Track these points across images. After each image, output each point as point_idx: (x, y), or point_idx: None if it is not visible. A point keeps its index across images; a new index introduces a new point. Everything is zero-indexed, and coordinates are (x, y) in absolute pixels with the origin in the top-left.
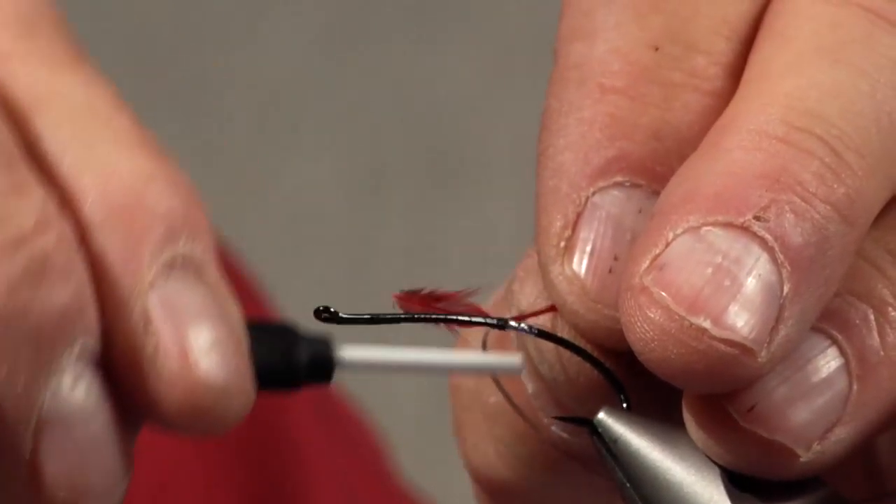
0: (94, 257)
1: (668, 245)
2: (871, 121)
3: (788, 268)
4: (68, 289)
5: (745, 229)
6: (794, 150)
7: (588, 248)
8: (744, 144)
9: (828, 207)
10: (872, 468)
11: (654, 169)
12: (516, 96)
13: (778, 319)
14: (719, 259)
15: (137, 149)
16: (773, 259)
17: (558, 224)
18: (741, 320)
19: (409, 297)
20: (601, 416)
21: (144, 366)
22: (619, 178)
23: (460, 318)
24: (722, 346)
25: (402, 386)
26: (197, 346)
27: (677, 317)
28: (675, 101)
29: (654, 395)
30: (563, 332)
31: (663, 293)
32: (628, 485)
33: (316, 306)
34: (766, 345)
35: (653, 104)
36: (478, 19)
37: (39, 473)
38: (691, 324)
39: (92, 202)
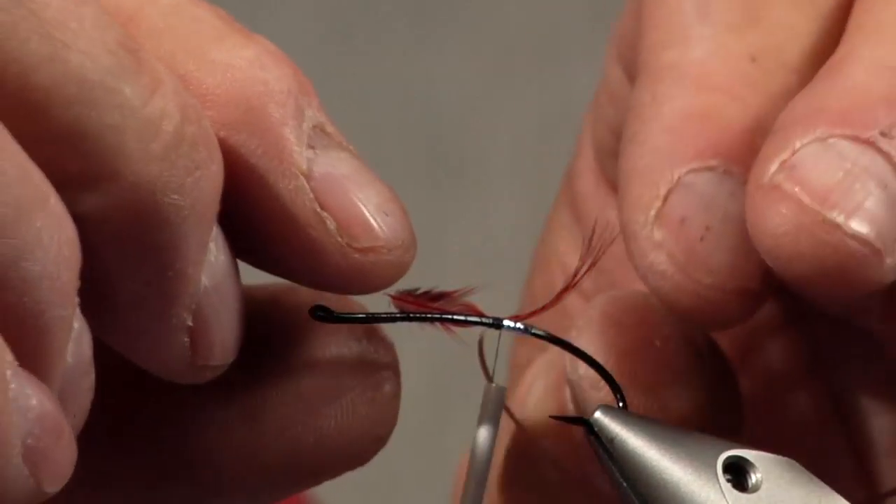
0: (238, 153)
1: (795, 152)
2: None
3: None
4: (217, 170)
5: (871, 143)
6: None
7: (679, 217)
8: (867, 69)
9: None
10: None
11: (748, 161)
12: (516, 96)
13: None
14: (849, 165)
15: (235, 37)
16: None
17: (650, 195)
18: (872, 223)
19: (404, 296)
20: (598, 415)
21: (323, 241)
22: (713, 163)
23: (456, 317)
24: (854, 244)
25: None
26: (371, 212)
27: (811, 210)
28: (774, 108)
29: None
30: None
31: (796, 188)
32: (625, 484)
33: (312, 305)
34: (893, 251)
35: (752, 106)
36: (478, 19)
37: (200, 335)
38: (825, 218)
39: (224, 102)
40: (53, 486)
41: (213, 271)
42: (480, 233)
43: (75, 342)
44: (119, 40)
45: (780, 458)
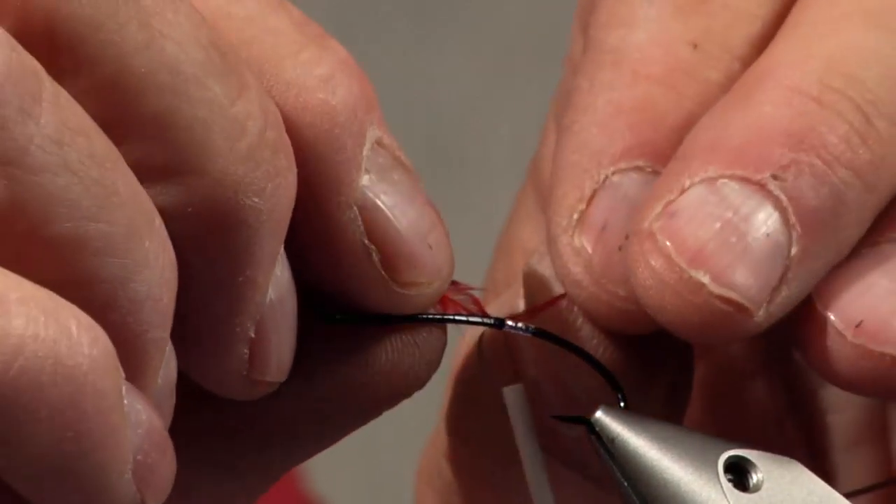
0: (301, 175)
1: (682, 192)
2: None
3: (799, 230)
4: (294, 180)
5: (760, 186)
6: (826, 111)
7: (600, 224)
8: (776, 99)
9: (850, 172)
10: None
11: None
12: (516, 95)
13: (781, 279)
14: (730, 214)
15: (309, 50)
16: (785, 220)
17: (574, 196)
18: (742, 278)
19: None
20: (598, 414)
21: (367, 273)
22: (640, 163)
23: (456, 317)
24: (718, 303)
25: None
26: (416, 246)
27: (678, 268)
28: (710, 98)
29: (653, 387)
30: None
31: (668, 242)
32: (626, 483)
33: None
34: (765, 304)
35: (687, 97)
36: (478, 19)
37: (260, 348)
38: (690, 277)
39: (294, 124)
40: (156, 501)
41: (278, 285)
42: (480, 232)
43: (165, 365)
44: (211, 38)
45: (781, 457)
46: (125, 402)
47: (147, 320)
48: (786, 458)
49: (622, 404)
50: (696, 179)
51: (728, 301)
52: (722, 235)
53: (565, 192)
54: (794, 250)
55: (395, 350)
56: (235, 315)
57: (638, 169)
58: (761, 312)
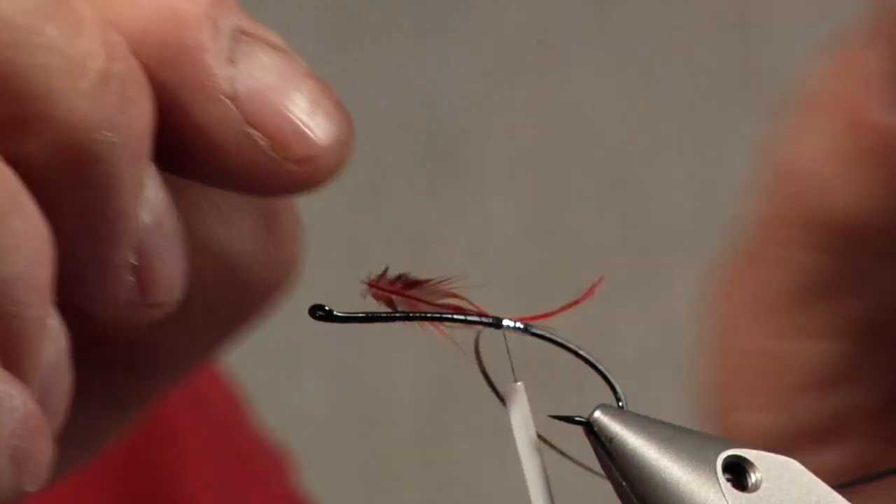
0: (163, 85)
1: None
2: None
3: None
4: (148, 106)
5: None
6: None
7: None
8: None
9: None
10: None
11: None
12: (516, 96)
13: None
14: None
15: None
16: None
17: None
18: None
19: (379, 283)
20: (597, 414)
21: (257, 160)
22: None
23: (455, 316)
24: None
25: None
26: (301, 119)
27: None
28: None
29: None
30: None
31: None
32: (625, 483)
33: (311, 304)
34: None
35: None
36: (478, 19)
37: (145, 273)
38: None
39: (142, 39)
40: (33, 486)
41: (152, 208)
42: (480, 233)
43: (52, 340)
44: None
45: (779, 456)
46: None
47: (21, 300)
48: (784, 458)
49: (620, 404)
50: None
51: None
52: None
53: None
54: None
55: (253, 238)
56: (110, 247)
57: None
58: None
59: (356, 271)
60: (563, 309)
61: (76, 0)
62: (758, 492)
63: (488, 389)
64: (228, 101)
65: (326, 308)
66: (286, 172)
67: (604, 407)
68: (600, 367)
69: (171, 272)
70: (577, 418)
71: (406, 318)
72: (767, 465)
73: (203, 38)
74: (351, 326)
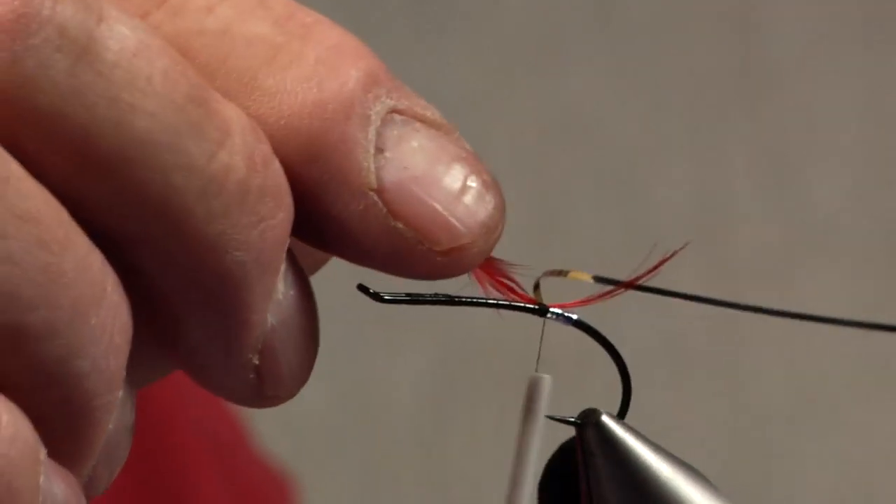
0: (307, 184)
1: None
2: None
3: None
4: (285, 216)
5: None
6: None
7: None
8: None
9: None
10: None
11: None
12: (516, 96)
13: None
14: None
15: (286, 50)
16: None
17: None
18: None
19: (489, 264)
20: (590, 417)
21: (403, 252)
22: None
23: (501, 302)
24: None
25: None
26: (448, 209)
27: None
28: None
29: None
30: None
31: None
32: (616, 486)
33: (358, 283)
34: None
35: None
36: (478, 19)
37: (268, 370)
38: None
39: (283, 137)
40: None
41: (281, 309)
42: None
43: (118, 411)
44: (188, 93)
45: None
46: (42, 486)
47: (92, 390)
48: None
49: (620, 406)
50: None
51: None
52: None
53: None
54: None
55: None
56: (234, 351)
57: None
58: None
59: (357, 269)
60: (605, 296)
61: (224, 105)
62: None
63: (510, 390)
64: (374, 195)
65: (372, 290)
66: (431, 262)
67: (596, 409)
68: (629, 374)
69: (294, 366)
70: (571, 419)
71: (450, 302)
72: None
73: (352, 132)
74: (352, 325)
